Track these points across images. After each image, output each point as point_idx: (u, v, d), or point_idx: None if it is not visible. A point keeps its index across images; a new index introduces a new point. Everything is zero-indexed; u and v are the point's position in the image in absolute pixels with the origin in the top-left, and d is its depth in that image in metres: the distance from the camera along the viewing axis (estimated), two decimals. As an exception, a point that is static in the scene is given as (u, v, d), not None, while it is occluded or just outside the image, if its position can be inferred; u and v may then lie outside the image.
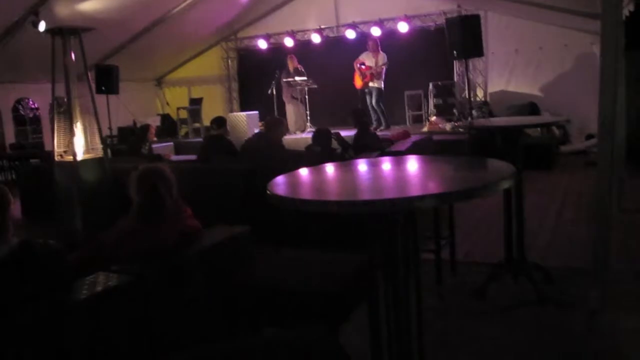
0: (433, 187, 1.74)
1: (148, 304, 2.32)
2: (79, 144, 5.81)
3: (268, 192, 1.66)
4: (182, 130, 13.50)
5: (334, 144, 5.97)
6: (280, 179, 1.88)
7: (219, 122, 7.50)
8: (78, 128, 5.80)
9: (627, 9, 6.28)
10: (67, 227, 5.90)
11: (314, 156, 5.56)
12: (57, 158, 5.94)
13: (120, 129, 12.28)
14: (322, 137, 5.78)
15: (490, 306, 3.91)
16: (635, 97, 7.27)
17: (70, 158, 5.79)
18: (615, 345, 3.33)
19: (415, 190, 1.69)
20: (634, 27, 6.22)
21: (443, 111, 11.32)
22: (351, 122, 7.17)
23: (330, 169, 2.15)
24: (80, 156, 5.79)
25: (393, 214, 1.60)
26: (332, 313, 2.10)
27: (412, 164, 2.20)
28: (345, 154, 5.63)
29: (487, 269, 4.30)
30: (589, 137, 10.28)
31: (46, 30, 6.11)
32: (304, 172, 2.09)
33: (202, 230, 2.91)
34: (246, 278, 2.45)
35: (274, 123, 6.77)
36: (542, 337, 3.47)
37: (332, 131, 6.07)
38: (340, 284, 2.17)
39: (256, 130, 10.35)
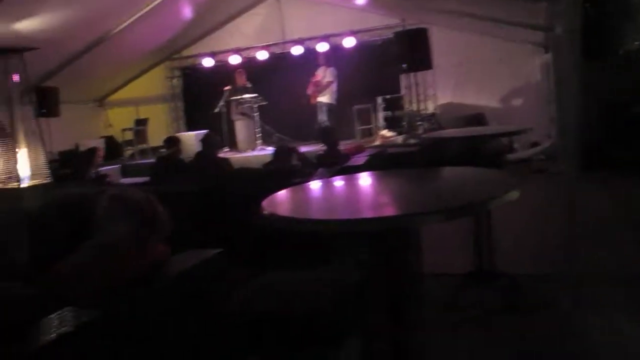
0: (443, 201, 1.65)
1: (122, 340, 2.14)
2: (24, 169, 5.51)
3: (266, 213, 1.54)
4: (127, 152, 13.12)
5: (294, 160, 5.89)
6: (273, 199, 1.77)
7: (169, 142, 7.31)
8: (22, 153, 5.51)
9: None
10: (13, 259, 5.56)
11: (275, 173, 5.44)
12: (-1, 185, 5.62)
13: (62, 153, 11.82)
14: (282, 154, 5.69)
15: (463, 317, 3.87)
16: (589, 105, 7.44)
17: (14, 185, 5.49)
18: (591, 346, 3.34)
19: (423, 206, 1.61)
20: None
21: (392, 124, 11.38)
22: (320, 139, 7.10)
23: (321, 186, 2.05)
24: (25, 182, 5.49)
25: (397, 231, 1.52)
26: (321, 338, 1.98)
27: (412, 179, 2.12)
28: (306, 170, 5.54)
29: (455, 280, 4.27)
30: (534, 145, 10.50)
31: (-15, 51, 5.82)
32: (293, 191, 1.99)
33: (170, 255, 2.74)
34: (224, 304, 2.30)
35: (209, 140, 6.69)
36: (518, 344, 3.44)
37: (292, 147, 5.99)
38: (327, 306, 2.06)
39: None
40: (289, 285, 2.26)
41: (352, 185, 2.12)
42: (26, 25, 9.26)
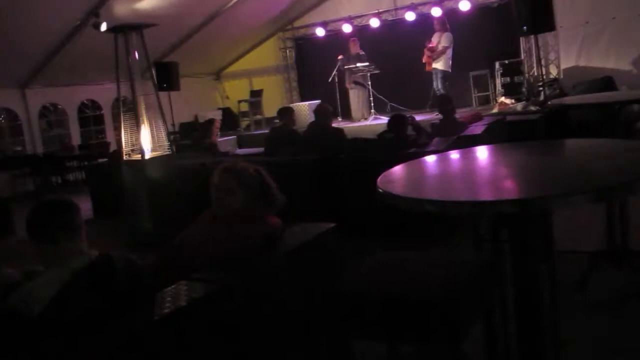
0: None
1: (236, 315, 2.13)
2: (146, 141, 5.74)
3: (381, 190, 1.44)
4: (244, 123, 13.45)
5: (409, 129, 5.72)
6: (388, 175, 1.66)
7: (282, 113, 7.34)
8: (144, 126, 5.74)
9: None
10: (139, 227, 5.85)
11: (390, 143, 5.31)
12: (125, 157, 5.89)
13: (182, 125, 12.32)
14: (397, 123, 5.54)
15: (592, 301, 3.56)
16: None
17: (138, 156, 5.73)
18: None
19: (564, 185, 1.43)
20: None
21: (511, 91, 10.82)
22: (436, 108, 6.90)
23: (440, 160, 1.91)
24: (147, 154, 5.72)
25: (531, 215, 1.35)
26: (441, 324, 1.83)
27: (540, 152, 1.93)
28: (422, 139, 5.37)
29: (585, 258, 3.96)
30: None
31: (109, 29, 6.06)
32: (411, 166, 1.87)
33: (283, 228, 2.70)
34: (336, 282, 2.22)
35: (322, 110, 6.67)
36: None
37: (408, 117, 5.83)
38: (447, 289, 1.91)
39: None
40: (406, 265, 2.14)
41: (476, 159, 1.96)
42: (145, 3, 9.64)
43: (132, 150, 5.78)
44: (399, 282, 1.91)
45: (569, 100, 6.01)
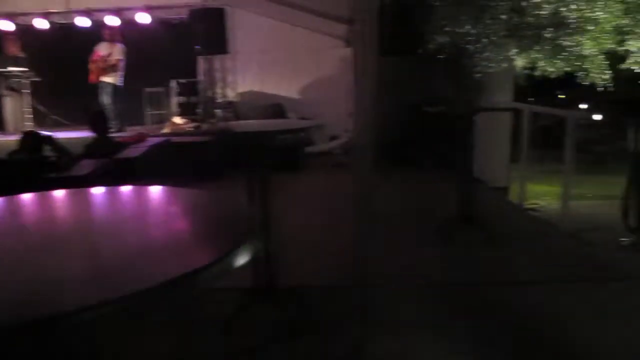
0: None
1: None
2: None
3: None
4: None
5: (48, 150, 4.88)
6: None
7: None
8: None
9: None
10: None
11: (22, 165, 4.44)
12: None
13: None
14: (30, 142, 4.67)
15: (238, 345, 3.27)
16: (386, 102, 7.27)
17: None
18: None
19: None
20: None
21: (187, 111, 10.57)
22: (88, 126, 6.09)
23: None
24: None
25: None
26: None
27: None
28: (61, 162, 4.59)
29: (232, 296, 3.65)
30: (333, 138, 10.39)
31: None
32: None
33: None
34: None
35: None
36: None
37: (43, 134, 4.96)
38: None
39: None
40: None
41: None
42: None
43: None
44: None
45: (236, 125, 5.87)
